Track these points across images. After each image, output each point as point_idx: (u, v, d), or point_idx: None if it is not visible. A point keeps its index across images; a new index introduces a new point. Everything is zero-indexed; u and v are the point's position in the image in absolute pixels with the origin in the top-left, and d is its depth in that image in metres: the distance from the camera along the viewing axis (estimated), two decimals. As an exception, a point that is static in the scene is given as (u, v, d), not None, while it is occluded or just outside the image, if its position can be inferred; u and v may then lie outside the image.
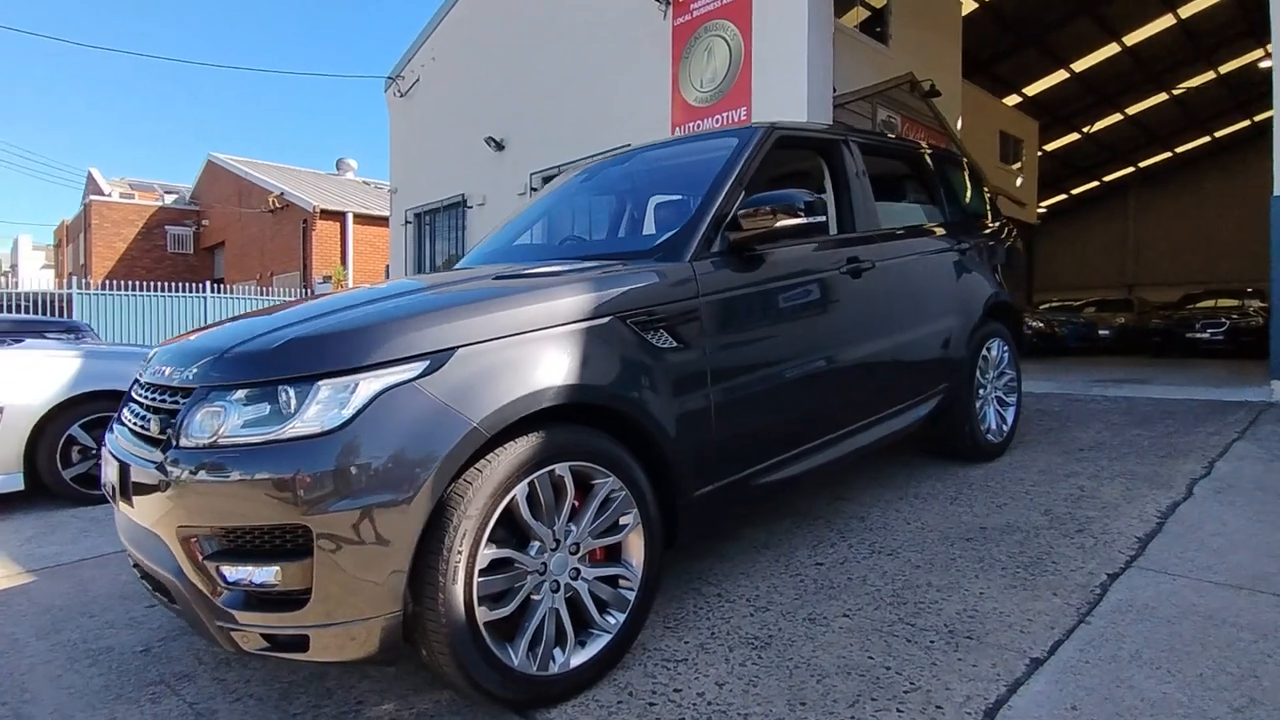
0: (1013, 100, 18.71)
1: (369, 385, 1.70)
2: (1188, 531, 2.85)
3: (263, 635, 1.70)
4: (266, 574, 1.67)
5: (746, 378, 2.48)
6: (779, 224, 2.46)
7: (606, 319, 2.09)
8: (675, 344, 2.23)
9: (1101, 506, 3.18)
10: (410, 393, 1.73)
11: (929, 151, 3.95)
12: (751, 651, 2.14)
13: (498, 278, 2.32)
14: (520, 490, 1.84)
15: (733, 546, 2.94)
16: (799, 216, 2.47)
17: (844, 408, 2.95)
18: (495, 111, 11.70)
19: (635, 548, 2.11)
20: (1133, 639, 2.07)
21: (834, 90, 7.75)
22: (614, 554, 2.14)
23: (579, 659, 1.97)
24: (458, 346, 1.81)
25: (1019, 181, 18.04)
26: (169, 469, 1.74)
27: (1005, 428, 4.06)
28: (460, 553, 1.72)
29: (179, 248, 28.33)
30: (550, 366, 1.93)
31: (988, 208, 4.40)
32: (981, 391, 3.88)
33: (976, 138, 14.98)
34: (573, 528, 1.98)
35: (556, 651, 1.93)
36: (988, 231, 4.21)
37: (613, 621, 2.05)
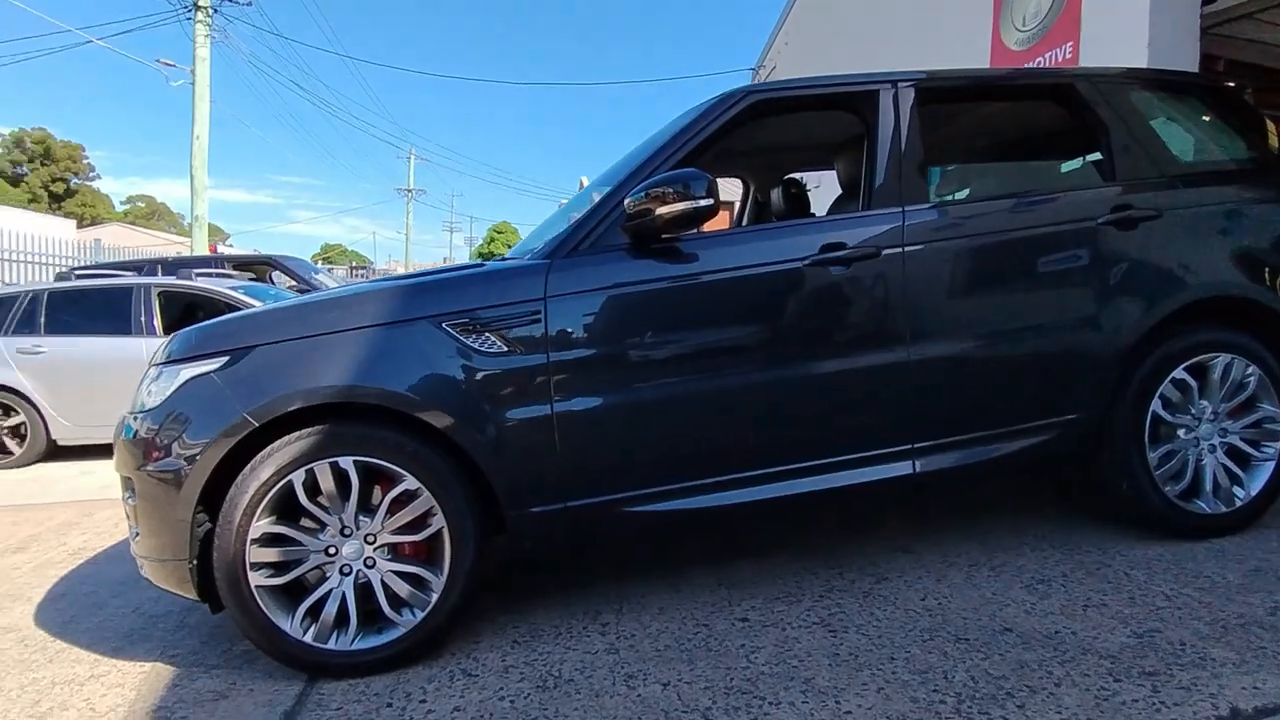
0: None
1: (188, 372, 2.10)
2: None
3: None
4: (128, 508, 2.20)
5: (616, 390, 2.19)
6: (660, 210, 2.11)
7: (415, 321, 2.11)
8: (505, 349, 2.12)
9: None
10: (207, 381, 2.07)
11: (1094, 80, 2.70)
12: (535, 691, 1.95)
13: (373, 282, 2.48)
14: (298, 476, 2.03)
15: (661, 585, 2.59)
16: (689, 200, 2.09)
17: (798, 434, 2.31)
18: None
19: (445, 551, 2.10)
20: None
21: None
22: (428, 553, 2.16)
23: (365, 644, 2.08)
24: (256, 345, 2.09)
25: None
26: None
27: (1244, 492, 2.59)
28: (231, 521, 2.01)
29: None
30: (331, 366, 2.06)
31: (1253, 156, 2.81)
32: (1181, 433, 2.55)
33: None
34: (367, 518, 2.09)
35: (338, 631, 2.08)
36: (1229, 191, 2.71)
37: (408, 619, 2.10)
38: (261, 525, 2.02)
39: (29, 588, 2.93)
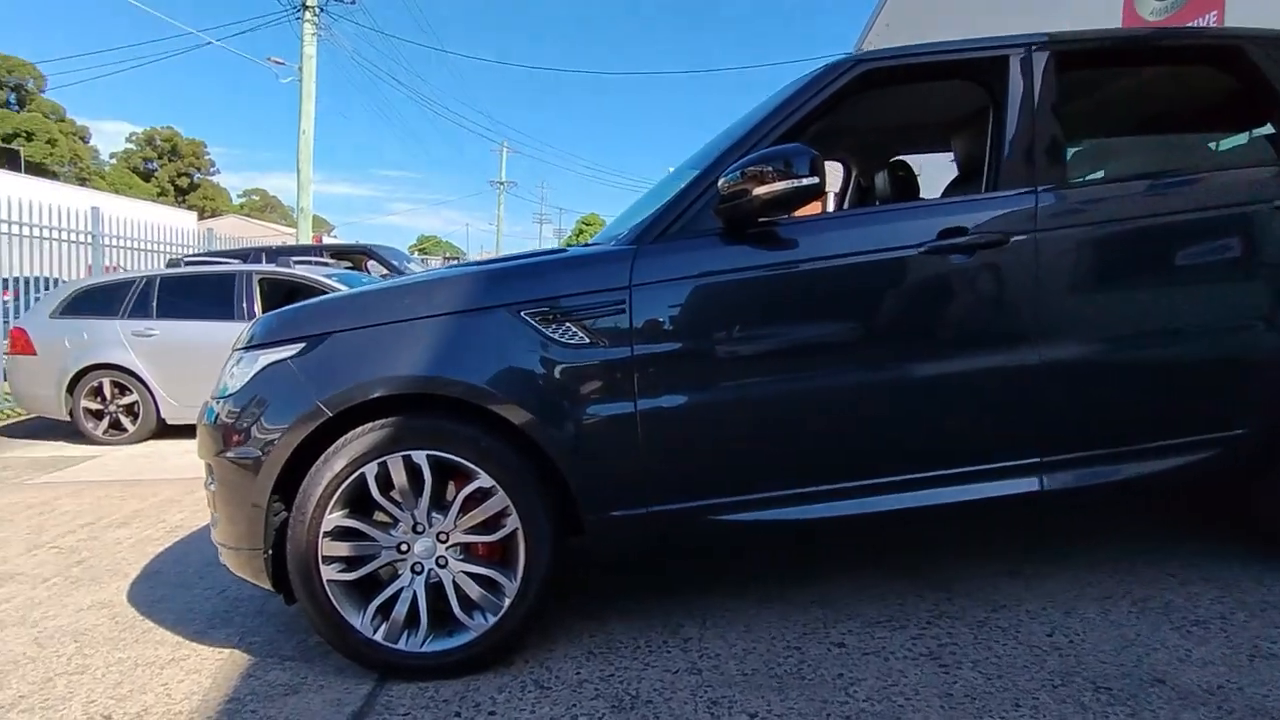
0: None
1: (265, 358, 2.05)
2: None
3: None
4: (209, 494, 2.18)
5: (705, 388, 2.01)
6: (757, 190, 1.91)
7: (493, 310, 1.99)
8: (586, 340, 1.98)
9: None
10: (284, 368, 2.01)
11: (1266, 43, 2.29)
12: (610, 711, 1.80)
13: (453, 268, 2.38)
14: (371, 469, 1.95)
15: (734, 597, 2.38)
16: (790, 179, 1.88)
17: (910, 442, 2.06)
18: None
19: (518, 554, 1.99)
20: None
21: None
22: (502, 555, 2.05)
23: (435, 646, 1.99)
24: (332, 332, 2.02)
25: None
26: None
27: None
28: (305, 512, 1.95)
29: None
30: (407, 355, 1.96)
31: None
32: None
33: None
34: (440, 515, 1.99)
35: (408, 631, 1.99)
36: None
37: (480, 623, 1.99)
38: (334, 518, 1.95)
39: (127, 563, 3.02)
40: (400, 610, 1.97)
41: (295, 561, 1.95)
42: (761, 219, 2.03)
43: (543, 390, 1.96)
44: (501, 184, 45.81)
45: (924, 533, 2.88)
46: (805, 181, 1.87)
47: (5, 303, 7.24)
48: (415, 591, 1.98)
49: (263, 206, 67.16)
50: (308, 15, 15.80)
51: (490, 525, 2.00)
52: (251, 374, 2.04)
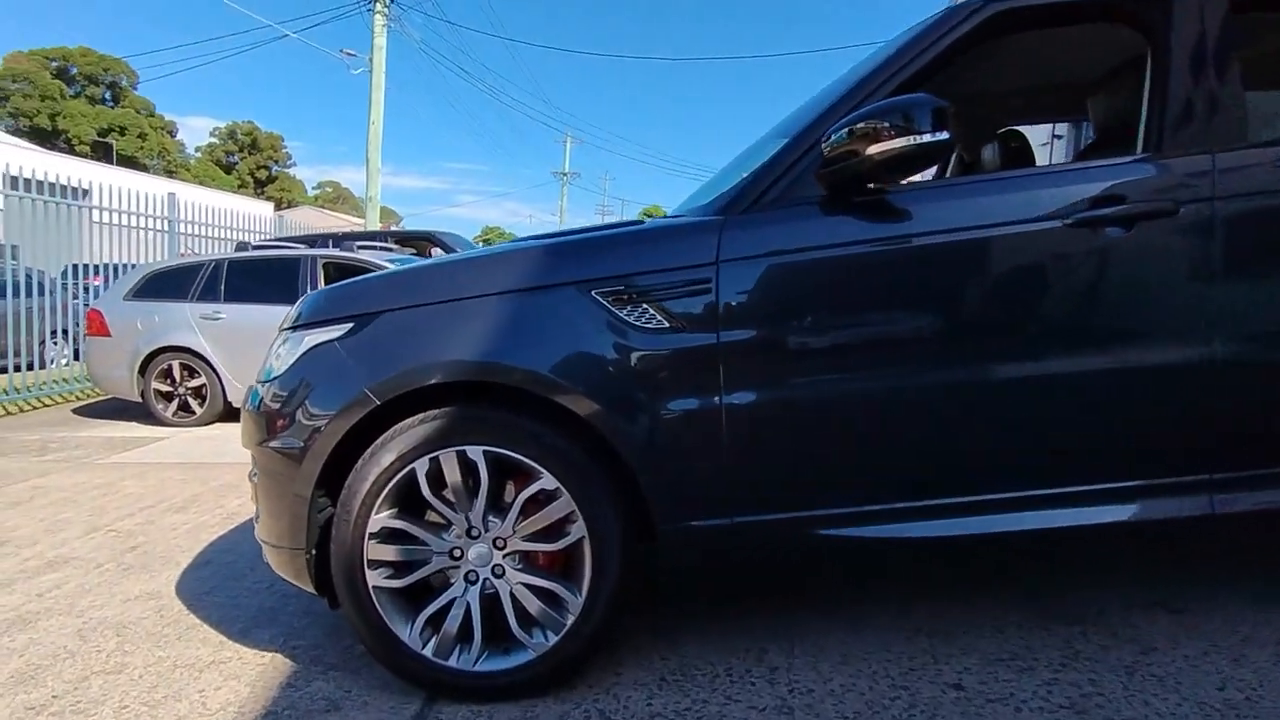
0: None
1: (311, 339, 1.86)
2: None
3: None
4: (252, 486, 2.01)
5: (802, 383, 1.72)
6: (870, 150, 1.61)
7: (561, 287, 1.75)
8: (665, 324, 1.72)
9: None
10: (330, 350, 1.82)
11: None
12: (688, 751, 1.55)
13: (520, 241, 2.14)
14: (421, 464, 1.74)
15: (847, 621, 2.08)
16: (910, 135, 1.58)
17: (1051, 451, 1.73)
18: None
19: (584, 565, 1.75)
20: None
21: None
22: (566, 566, 1.82)
23: (489, 665, 1.77)
24: (382, 311, 1.81)
25: None
26: None
27: None
28: (350, 510, 1.75)
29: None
30: (463, 337, 1.74)
31: None
32: None
33: None
34: (497, 519, 1.77)
35: (460, 647, 1.78)
36: None
37: (539, 641, 1.76)
38: (381, 518, 1.75)
39: (180, 551, 2.93)
40: (452, 623, 1.76)
41: (340, 564, 1.76)
42: (873, 184, 1.73)
43: (614, 380, 1.71)
44: (565, 175, 45.97)
45: (1032, 550, 2.53)
46: (928, 138, 1.56)
47: (96, 287, 7.47)
48: (469, 603, 1.77)
49: (335, 198, 69.25)
50: (378, 6, 15.99)
51: (553, 532, 1.77)
52: (297, 356, 1.86)
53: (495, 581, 1.77)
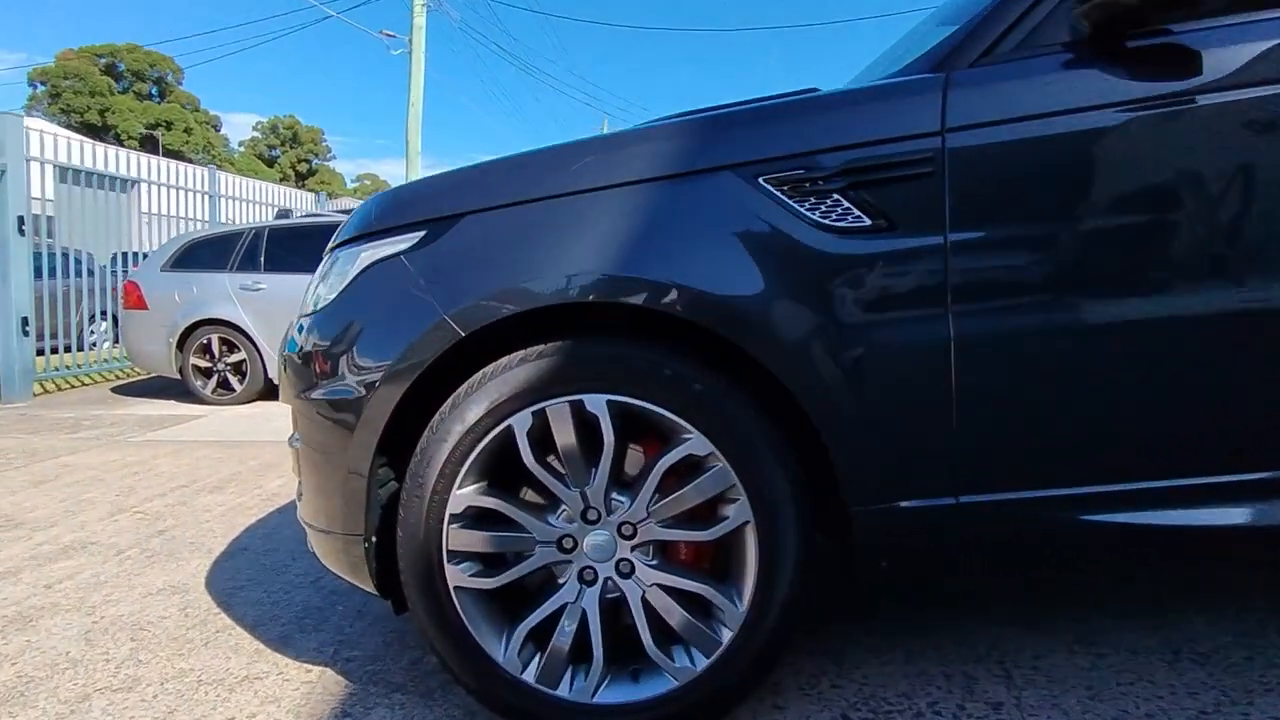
0: None
1: (367, 255, 1.40)
2: None
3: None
4: (293, 454, 1.56)
5: (1067, 302, 1.20)
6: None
7: (715, 173, 1.25)
8: (865, 222, 1.21)
9: None
10: (393, 268, 1.35)
11: None
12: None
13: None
14: (521, 420, 1.26)
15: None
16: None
17: None
18: None
19: (746, 561, 1.26)
20: None
21: None
22: (720, 562, 1.34)
23: (615, 697, 1.29)
24: (466, 213, 1.33)
25: None
26: None
27: None
28: (423, 483, 1.28)
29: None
30: (580, 246, 1.25)
31: None
32: None
33: None
34: (623, 498, 1.28)
35: (575, 671, 1.31)
36: None
37: (683, 665, 1.27)
38: (466, 494, 1.28)
39: (213, 536, 2.51)
40: (562, 638, 1.28)
41: (410, 556, 1.29)
42: (1160, 22, 1.20)
43: (791, 301, 1.21)
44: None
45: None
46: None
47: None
48: (584, 610, 1.29)
49: (374, 190, 69.87)
50: (418, -16, 15.63)
51: (703, 515, 1.28)
52: (350, 279, 1.39)
53: (621, 583, 1.29)
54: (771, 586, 1.24)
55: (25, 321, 5.73)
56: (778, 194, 1.22)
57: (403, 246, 1.34)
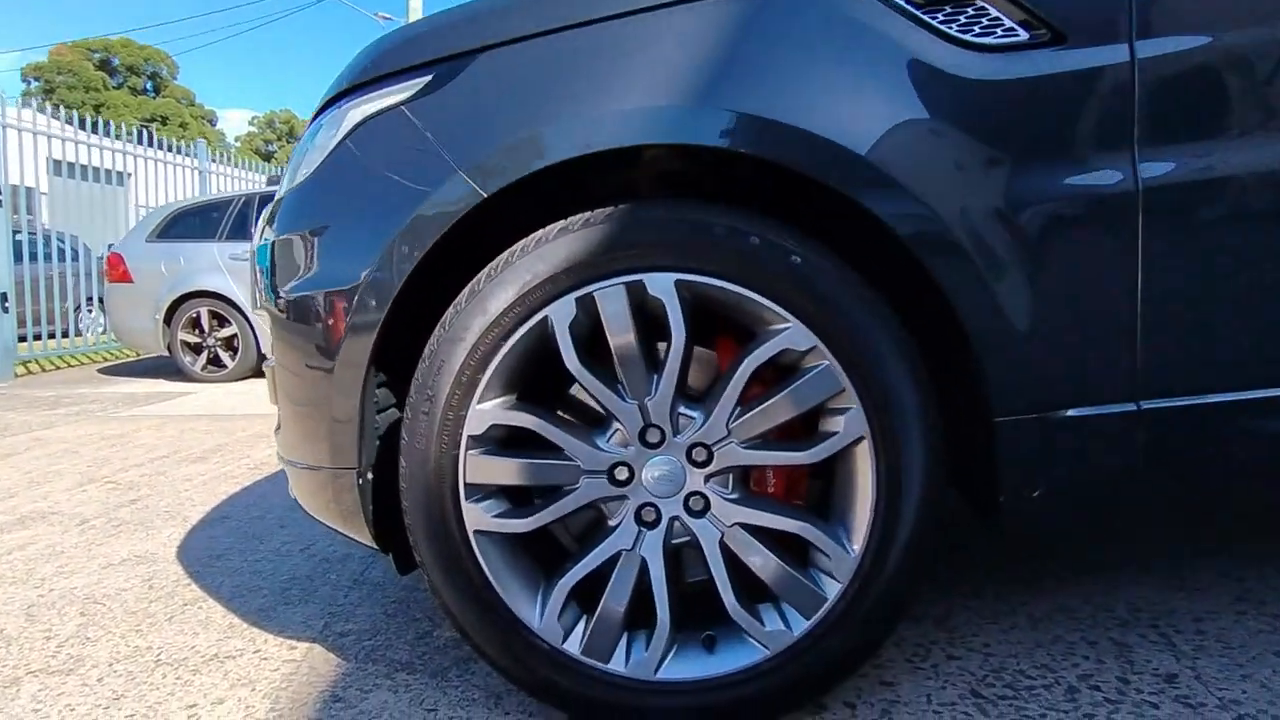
0: None
1: (357, 112, 1.09)
2: None
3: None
4: (268, 375, 1.26)
5: (1303, 127, 0.90)
6: None
7: (810, -27, 0.95)
8: (1018, 35, 0.91)
9: None
10: (391, 122, 1.04)
11: None
12: None
13: None
14: (560, 309, 0.96)
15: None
16: None
17: None
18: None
19: (858, 490, 0.96)
20: None
21: None
22: (821, 494, 1.04)
23: (682, 671, 0.99)
24: (481, 49, 1.03)
25: None
26: None
27: None
28: (434, 396, 0.98)
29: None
30: (633, 77, 0.95)
31: None
32: None
33: None
34: (694, 413, 0.98)
35: (631, 639, 1.01)
36: None
37: (775, 629, 0.98)
38: (488, 409, 0.98)
39: (190, 505, 2.22)
40: (616, 598, 0.98)
41: (416, 492, 0.99)
42: None
43: (920, 144, 0.91)
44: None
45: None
46: None
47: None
48: (644, 560, 0.99)
49: (372, 184, 69.39)
50: (414, -36, 15.29)
51: (801, 432, 0.98)
52: (336, 142, 1.08)
53: (692, 523, 0.98)
54: (894, 523, 0.94)
55: (3, 298, 5.42)
56: (900, 0, 0.92)
57: (403, 96, 1.04)
